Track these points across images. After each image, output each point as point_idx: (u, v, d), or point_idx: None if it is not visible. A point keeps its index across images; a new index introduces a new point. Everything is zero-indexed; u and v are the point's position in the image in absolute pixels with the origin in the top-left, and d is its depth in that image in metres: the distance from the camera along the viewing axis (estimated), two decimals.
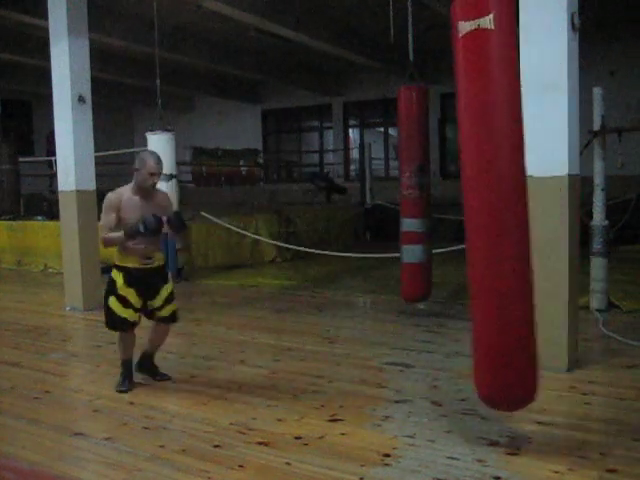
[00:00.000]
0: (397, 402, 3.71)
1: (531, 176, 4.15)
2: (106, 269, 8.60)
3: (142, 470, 2.96)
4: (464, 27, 2.83)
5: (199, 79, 14.89)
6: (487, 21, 2.77)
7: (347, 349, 4.93)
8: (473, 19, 2.80)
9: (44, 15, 6.90)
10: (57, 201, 7.07)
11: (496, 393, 3.04)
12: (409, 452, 3.04)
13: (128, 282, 3.91)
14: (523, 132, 2.91)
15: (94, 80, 6.95)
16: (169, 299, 4.07)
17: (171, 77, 13.01)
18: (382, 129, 16.08)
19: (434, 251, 6.21)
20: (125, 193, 3.92)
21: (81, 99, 6.67)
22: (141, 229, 3.72)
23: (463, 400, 3.71)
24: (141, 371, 4.26)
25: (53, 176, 11.56)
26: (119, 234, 3.84)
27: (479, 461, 2.91)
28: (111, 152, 11.10)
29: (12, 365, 4.80)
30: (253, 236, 9.65)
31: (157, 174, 3.87)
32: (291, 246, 9.51)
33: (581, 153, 4.65)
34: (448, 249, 7.31)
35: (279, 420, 3.50)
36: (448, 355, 4.69)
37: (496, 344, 2.96)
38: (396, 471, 2.86)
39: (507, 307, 2.91)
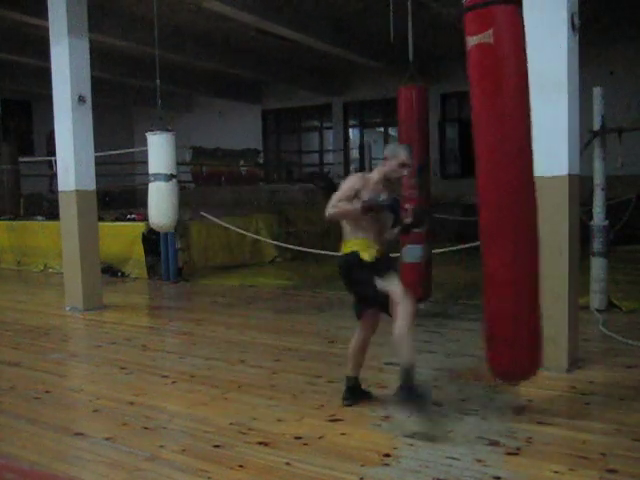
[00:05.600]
0: (397, 402, 3.70)
1: None
2: (106, 269, 8.70)
3: (142, 470, 2.96)
4: (471, 41, 3.19)
5: (199, 79, 14.88)
6: (487, 36, 3.10)
7: (347, 349, 4.91)
8: (475, 35, 3.15)
9: (44, 15, 6.90)
10: (57, 201, 7.08)
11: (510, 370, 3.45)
12: (409, 452, 3.04)
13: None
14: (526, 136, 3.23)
15: (94, 80, 6.96)
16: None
17: (171, 77, 13.00)
18: (382, 129, 16.08)
19: (434, 251, 6.21)
20: (371, 178, 3.70)
21: (81, 99, 6.67)
22: (382, 201, 3.47)
23: (463, 400, 3.71)
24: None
25: (53, 176, 11.55)
26: (354, 206, 3.51)
27: (479, 461, 2.91)
28: (111, 152, 11.09)
29: (12, 365, 4.81)
30: (253, 236, 9.65)
31: (407, 165, 3.68)
32: (291, 246, 9.51)
33: (581, 153, 4.65)
34: (448, 249, 7.31)
35: (279, 420, 3.50)
36: (448, 355, 4.69)
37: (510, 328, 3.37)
38: (396, 471, 2.86)
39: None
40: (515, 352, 3.36)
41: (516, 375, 3.52)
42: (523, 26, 3.22)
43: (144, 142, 6.62)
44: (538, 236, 3.36)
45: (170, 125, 6.62)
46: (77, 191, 6.69)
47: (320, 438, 3.24)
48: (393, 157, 3.67)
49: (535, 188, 3.31)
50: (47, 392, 4.13)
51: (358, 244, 3.68)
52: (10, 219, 11.22)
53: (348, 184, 3.65)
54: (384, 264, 3.64)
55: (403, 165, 3.66)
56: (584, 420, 3.40)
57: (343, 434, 3.28)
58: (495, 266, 3.36)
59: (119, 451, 3.17)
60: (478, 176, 3.30)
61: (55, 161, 7.16)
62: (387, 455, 3.01)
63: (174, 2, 9.12)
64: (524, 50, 3.20)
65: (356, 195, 3.59)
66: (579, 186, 4.26)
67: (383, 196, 3.52)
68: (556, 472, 2.80)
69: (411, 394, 3.32)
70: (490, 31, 3.09)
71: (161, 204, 6.38)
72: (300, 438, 3.24)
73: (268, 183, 16.82)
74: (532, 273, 3.37)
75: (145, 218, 8.05)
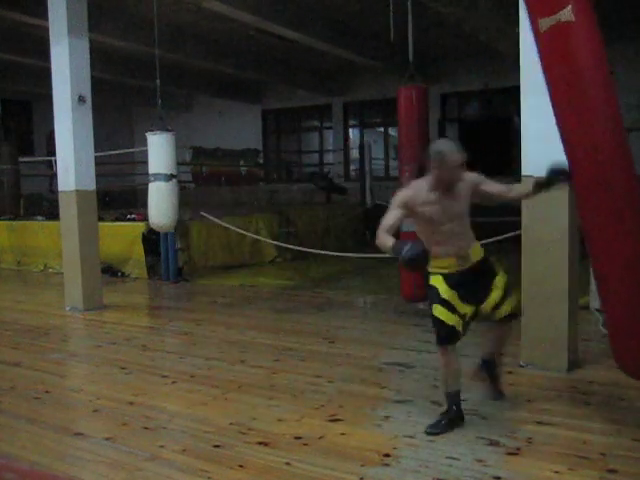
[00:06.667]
0: (397, 402, 3.71)
1: (531, 176, 4.17)
2: (106, 269, 8.69)
3: (142, 470, 2.96)
4: (545, 23, 2.79)
5: (199, 79, 14.88)
6: (566, 13, 2.72)
7: (347, 349, 4.93)
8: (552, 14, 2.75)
9: (44, 15, 6.90)
10: (57, 201, 7.08)
11: None
12: (409, 452, 3.05)
13: (449, 284, 3.25)
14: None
15: (94, 80, 6.95)
16: (505, 294, 3.36)
17: (171, 77, 12.99)
18: (382, 129, 16.07)
19: None
20: (422, 189, 3.27)
21: (81, 99, 6.67)
22: (401, 254, 2.92)
23: (463, 400, 3.70)
24: (481, 371, 3.66)
25: (53, 176, 11.54)
26: (388, 241, 3.08)
27: (479, 461, 2.91)
28: (111, 152, 11.09)
29: (12, 365, 4.81)
30: (253, 236, 9.64)
31: (462, 164, 3.21)
32: (291, 246, 9.51)
33: None
34: None
35: (279, 420, 3.50)
36: None
37: None
38: (396, 471, 2.86)
39: None
40: None
41: None
42: None
43: (144, 142, 6.62)
44: None
45: (170, 125, 6.62)
46: (77, 191, 6.69)
47: (320, 438, 3.24)
48: (442, 160, 3.17)
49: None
50: (47, 392, 4.13)
51: (433, 265, 3.25)
52: (10, 219, 11.21)
53: (397, 200, 3.25)
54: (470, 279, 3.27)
55: (459, 165, 3.19)
56: (584, 420, 3.40)
57: (343, 434, 3.28)
58: None
59: (119, 451, 3.17)
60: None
61: (55, 161, 7.16)
62: (387, 455, 3.01)
63: (174, 2, 9.12)
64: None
65: (411, 212, 3.24)
66: None
67: (408, 246, 2.96)
68: (556, 472, 2.80)
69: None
70: (569, 7, 2.69)
71: (161, 204, 6.37)
72: (300, 438, 3.24)
73: (268, 183, 16.83)
74: None
75: (145, 218, 8.05)
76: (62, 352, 5.30)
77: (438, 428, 3.25)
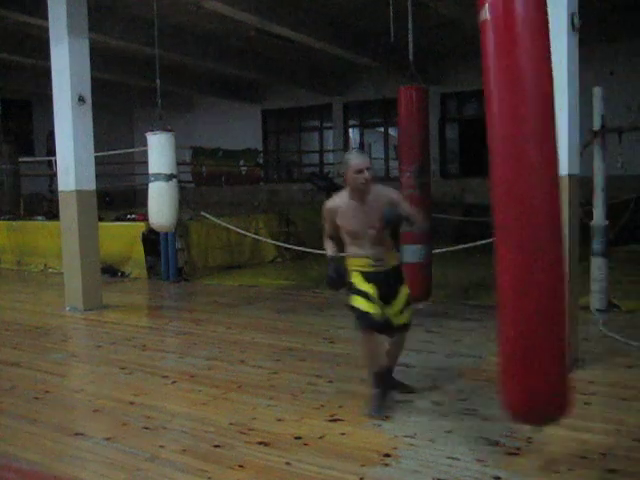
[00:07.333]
0: (397, 402, 3.70)
1: None
2: (106, 269, 8.69)
3: (142, 470, 2.96)
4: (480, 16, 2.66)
5: (199, 79, 14.89)
6: (484, 12, 2.59)
7: (347, 349, 4.92)
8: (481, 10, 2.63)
9: (44, 15, 6.90)
10: (57, 201, 7.07)
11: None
12: (409, 452, 3.04)
13: (366, 279, 3.55)
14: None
15: (94, 80, 6.95)
16: (407, 304, 3.65)
17: (171, 77, 12.99)
18: (382, 129, 16.07)
19: (434, 251, 6.21)
20: (343, 196, 3.64)
21: (81, 99, 6.67)
22: (329, 276, 3.53)
23: (463, 400, 3.71)
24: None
25: (53, 176, 11.55)
26: (328, 251, 3.67)
27: (479, 461, 2.91)
28: (111, 152, 11.09)
29: (12, 365, 4.81)
30: (253, 236, 9.64)
31: (363, 169, 3.49)
32: (291, 246, 9.51)
33: (581, 153, 4.65)
34: (448, 249, 7.31)
35: (279, 420, 3.50)
36: (448, 355, 4.69)
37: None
38: (396, 471, 2.86)
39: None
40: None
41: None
42: None
43: (144, 142, 6.62)
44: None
45: (170, 125, 6.62)
46: (77, 191, 6.69)
47: (320, 438, 3.24)
48: (347, 167, 3.53)
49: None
50: (47, 392, 4.13)
51: (352, 264, 3.66)
52: (10, 219, 11.21)
53: (325, 216, 3.67)
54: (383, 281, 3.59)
55: (359, 171, 3.49)
56: (584, 420, 3.39)
57: (343, 434, 3.28)
58: None
59: (119, 451, 3.17)
60: None
61: (55, 161, 7.16)
62: (387, 455, 3.01)
63: (174, 2, 9.12)
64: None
65: (335, 222, 3.62)
66: (579, 186, 4.26)
67: (333, 265, 3.54)
68: (556, 472, 2.80)
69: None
70: (486, 6, 2.55)
71: (161, 204, 6.37)
72: (300, 438, 3.24)
73: (268, 183, 16.83)
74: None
75: (145, 218, 8.05)
76: (62, 352, 5.30)
77: (379, 409, 3.52)
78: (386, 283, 3.57)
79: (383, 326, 3.53)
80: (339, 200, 3.64)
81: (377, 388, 3.59)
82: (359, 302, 3.51)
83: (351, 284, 3.58)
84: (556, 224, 2.60)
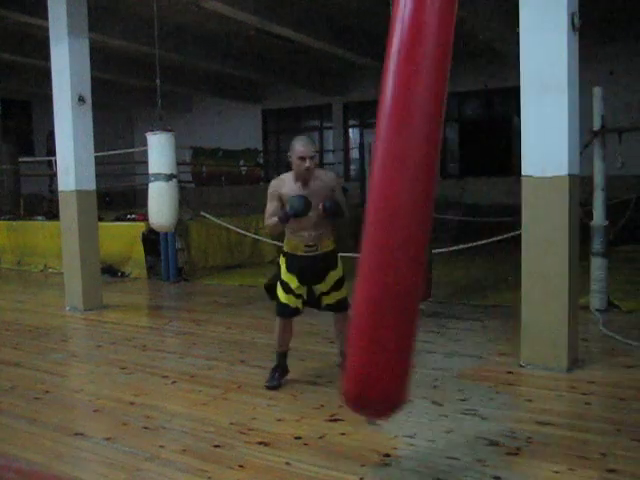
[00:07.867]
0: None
1: (531, 176, 4.17)
2: (106, 269, 8.69)
3: (142, 470, 2.96)
4: None
5: (199, 79, 14.89)
6: None
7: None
8: None
9: (44, 15, 6.90)
10: (57, 201, 7.07)
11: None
12: (409, 452, 3.04)
13: (289, 268, 3.90)
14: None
15: (94, 80, 6.95)
16: (336, 286, 3.95)
17: (171, 77, 13.01)
18: None
19: (434, 251, 6.21)
20: (287, 181, 3.86)
21: (81, 99, 6.67)
22: (288, 211, 3.69)
23: (463, 400, 3.71)
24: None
25: (53, 176, 11.55)
26: (275, 218, 3.81)
27: (479, 461, 2.91)
28: (111, 152, 11.10)
29: (12, 365, 4.81)
30: (253, 236, 9.64)
31: (306, 157, 3.71)
32: None
33: (581, 153, 4.65)
34: (448, 249, 7.31)
35: (279, 420, 3.50)
36: (448, 355, 4.69)
37: None
38: (396, 471, 2.86)
39: None
40: None
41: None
42: None
43: (144, 142, 6.61)
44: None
45: (170, 125, 6.62)
46: (77, 191, 6.69)
47: (320, 438, 3.24)
48: (292, 152, 3.73)
49: None
50: (47, 392, 4.12)
51: (285, 244, 3.97)
52: (10, 219, 11.22)
53: (269, 192, 3.86)
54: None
55: (301, 158, 3.69)
56: (584, 420, 3.40)
57: (343, 434, 3.28)
58: None
59: (119, 451, 3.17)
60: None
61: (55, 161, 7.15)
62: (387, 455, 3.01)
63: (174, 2, 9.12)
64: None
65: (281, 199, 3.81)
66: (579, 186, 4.26)
67: (292, 197, 3.70)
68: (556, 472, 2.80)
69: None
70: None
71: (161, 204, 6.37)
72: (300, 438, 3.24)
73: (268, 183, 16.82)
74: None
75: (145, 218, 8.05)
76: (62, 352, 5.30)
77: (274, 380, 4.01)
78: (312, 268, 3.87)
79: (295, 313, 4.01)
80: (283, 181, 3.85)
81: (277, 364, 4.10)
82: (280, 292, 3.95)
83: (278, 268, 3.97)
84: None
